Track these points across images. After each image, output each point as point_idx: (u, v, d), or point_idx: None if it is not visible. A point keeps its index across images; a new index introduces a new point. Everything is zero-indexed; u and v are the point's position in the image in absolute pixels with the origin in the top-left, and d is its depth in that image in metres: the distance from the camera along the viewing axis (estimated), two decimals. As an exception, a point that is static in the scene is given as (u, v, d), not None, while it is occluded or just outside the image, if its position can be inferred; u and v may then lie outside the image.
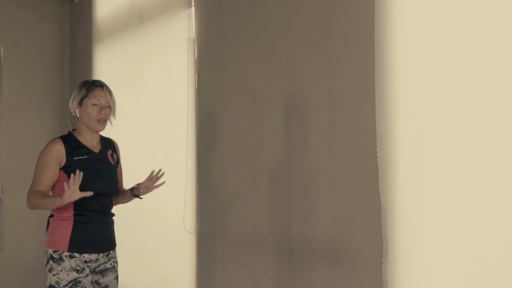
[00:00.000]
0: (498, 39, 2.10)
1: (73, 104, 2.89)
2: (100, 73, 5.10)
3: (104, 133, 3.04)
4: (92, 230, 2.86)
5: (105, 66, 5.04)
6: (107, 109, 2.89)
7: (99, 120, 2.86)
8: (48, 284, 2.80)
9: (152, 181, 2.99)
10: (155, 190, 3.06)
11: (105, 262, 2.94)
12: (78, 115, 2.89)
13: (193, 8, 3.79)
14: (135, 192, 3.01)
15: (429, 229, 2.31)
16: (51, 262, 2.80)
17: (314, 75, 2.84)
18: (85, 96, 2.85)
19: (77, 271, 2.79)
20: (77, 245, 2.81)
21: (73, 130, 2.95)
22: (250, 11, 3.29)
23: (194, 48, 3.77)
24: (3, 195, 5.38)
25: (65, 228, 2.82)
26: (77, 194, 2.65)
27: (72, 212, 2.82)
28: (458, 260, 2.21)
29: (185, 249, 3.86)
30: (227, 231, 3.47)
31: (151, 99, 4.31)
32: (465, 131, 2.20)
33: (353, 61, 2.63)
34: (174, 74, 3.96)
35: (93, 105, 2.84)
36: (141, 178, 3.06)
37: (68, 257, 2.79)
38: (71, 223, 2.81)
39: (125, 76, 4.68)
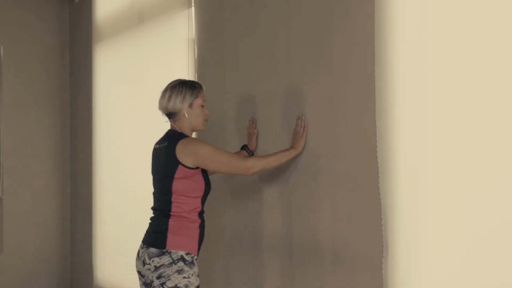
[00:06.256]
0: (498, 38, 2.10)
1: (184, 105, 2.85)
2: (100, 73, 5.10)
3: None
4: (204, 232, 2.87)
5: (105, 66, 5.04)
6: None
7: (205, 120, 2.92)
8: (173, 285, 2.66)
9: (252, 128, 3.21)
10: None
11: None
12: (186, 115, 2.86)
13: (193, 8, 3.79)
14: (247, 149, 3.21)
15: (429, 229, 2.31)
16: (181, 263, 2.69)
17: (314, 75, 2.84)
18: (196, 97, 2.87)
19: (198, 276, 2.77)
20: (199, 248, 2.81)
21: (173, 129, 2.91)
22: (250, 11, 3.29)
23: (194, 48, 3.77)
24: (3, 195, 5.38)
25: (194, 231, 2.78)
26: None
27: (197, 214, 2.80)
28: (457, 260, 2.21)
29: (185, 249, 3.85)
30: (227, 231, 3.47)
31: (151, 99, 4.30)
32: (465, 131, 2.20)
33: (353, 61, 2.63)
34: (174, 74, 3.96)
35: (202, 106, 2.88)
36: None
37: (196, 261, 2.76)
38: (198, 225, 2.79)
39: (125, 76, 4.68)
